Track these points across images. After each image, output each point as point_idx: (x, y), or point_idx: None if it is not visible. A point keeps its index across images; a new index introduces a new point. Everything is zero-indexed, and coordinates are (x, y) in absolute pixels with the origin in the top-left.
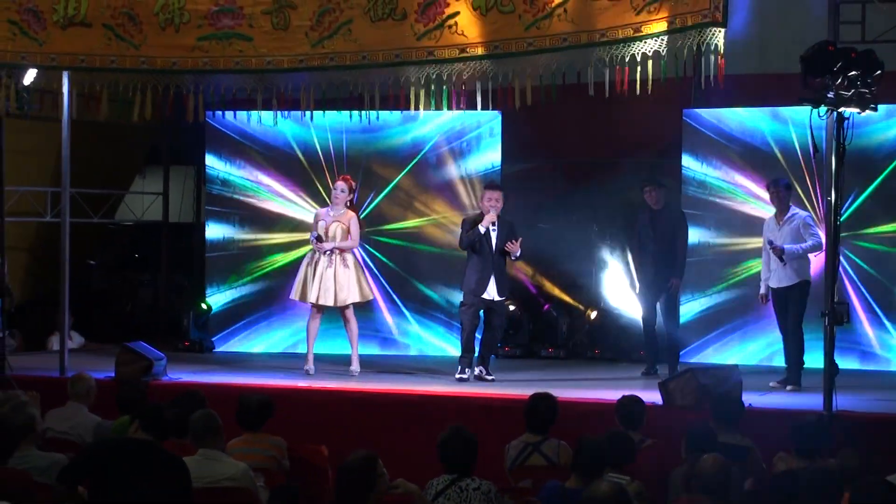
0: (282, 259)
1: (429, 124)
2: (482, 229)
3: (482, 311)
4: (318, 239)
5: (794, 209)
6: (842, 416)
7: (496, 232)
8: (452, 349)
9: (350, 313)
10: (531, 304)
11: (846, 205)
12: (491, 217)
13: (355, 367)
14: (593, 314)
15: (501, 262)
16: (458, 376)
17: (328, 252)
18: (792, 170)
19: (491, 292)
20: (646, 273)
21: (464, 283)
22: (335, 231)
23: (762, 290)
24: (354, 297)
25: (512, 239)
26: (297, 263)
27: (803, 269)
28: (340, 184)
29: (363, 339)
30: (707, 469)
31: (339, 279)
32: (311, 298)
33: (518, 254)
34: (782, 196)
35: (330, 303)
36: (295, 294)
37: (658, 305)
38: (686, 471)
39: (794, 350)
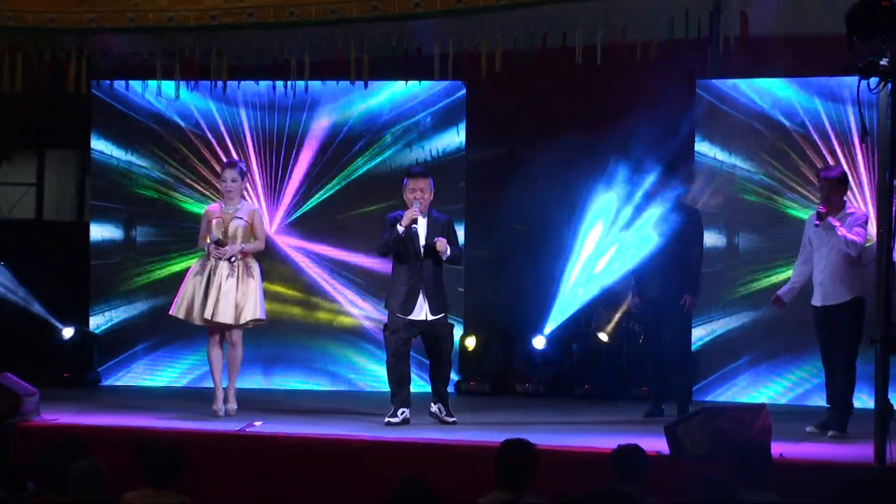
0: (184, 271)
1: (375, 99)
2: (401, 229)
3: (416, 336)
4: (218, 244)
5: (852, 207)
6: None
7: (425, 232)
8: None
9: (239, 337)
10: (501, 326)
11: None
12: (414, 212)
13: (233, 403)
14: (582, 339)
15: (435, 270)
16: (387, 420)
17: (231, 259)
18: (833, 157)
19: (422, 311)
20: (649, 288)
21: (387, 302)
22: (235, 230)
23: (781, 291)
24: (256, 314)
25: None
26: None
27: (857, 282)
28: (230, 172)
29: (289, 368)
30: None
31: (242, 291)
32: (207, 315)
33: (447, 254)
34: (832, 188)
35: (229, 320)
36: (178, 310)
37: (664, 329)
38: None
39: (840, 387)
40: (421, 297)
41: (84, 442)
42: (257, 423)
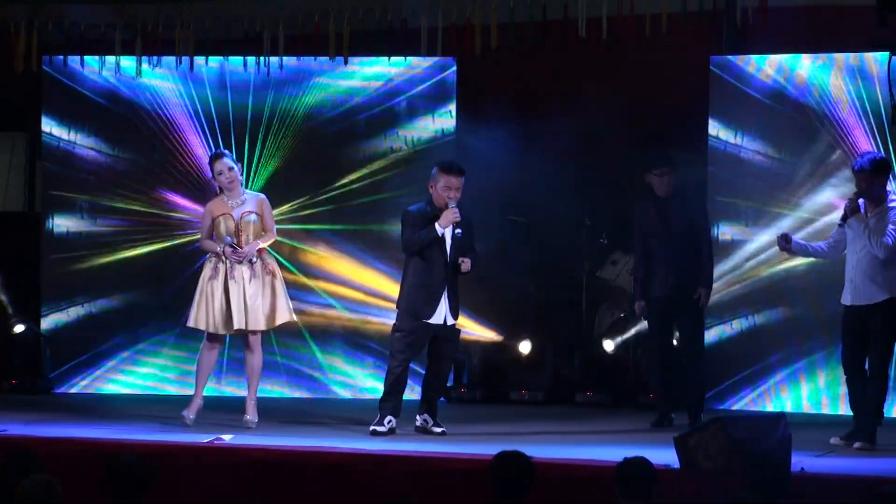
0: (149, 264)
1: (356, 77)
2: (440, 230)
3: (427, 342)
4: (234, 245)
5: (895, 199)
6: None
7: (451, 231)
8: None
9: (258, 342)
10: (497, 328)
11: None
12: (453, 214)
13: (252, 415)
14: (584, 342)
15: (455, 273)
16: (373, 428)
17: (251, 260)
18: (857, 142)
19: (441, 315)
20: (657, 284)
21: (402, 300)
22: (248, 226)
23: (794, 237)
24: (285, 316)
25: (469, 241)
26: (169, 270)
27: (892, 281)
28: (219, 164)
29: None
30: None
31: (268, 293)
32: (239, 324)
33: (468, 272)
34: (867, 179)
35: (262, 326)
36: (197, 320)
37: (675, 328)
38: None
39: (871, 394)
40: (444, 299)
41: (37, 455)
42: (226, 437)
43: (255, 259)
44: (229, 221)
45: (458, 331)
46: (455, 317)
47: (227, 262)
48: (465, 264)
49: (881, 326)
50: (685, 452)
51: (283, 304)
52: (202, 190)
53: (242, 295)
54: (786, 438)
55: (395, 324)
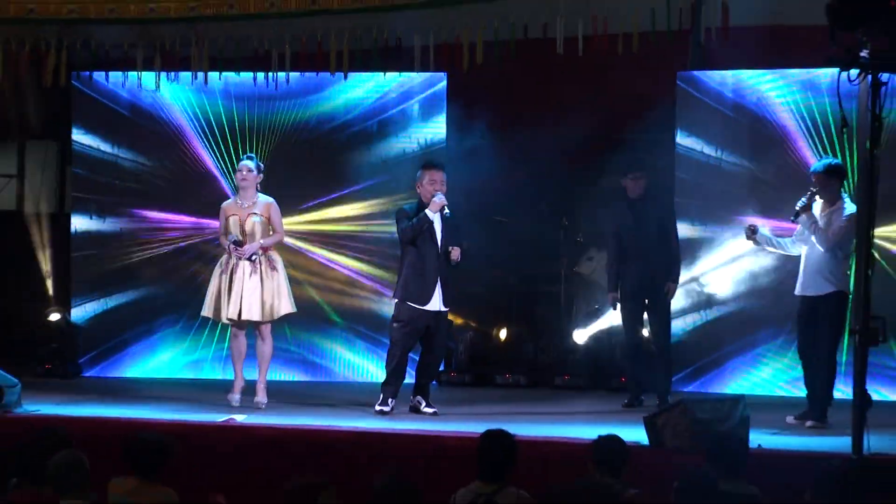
0: (169, 260)
1: (356, 90)
2: (431, 214)
3: (425, 329)
4: (237, 244)
5: (847, 200)
6: (875, 460)
7: (440, 225)
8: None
9: (268, 330)
10: (484, 318)
11: None
12: (441, 202)
13: (262, 397)
14: (563, 330)
15: (446, 262)
16: (379, 408)
17: (251, 258)
18: (814, 148)
19: (436, 302)
20: (629, 278)
21: (399, 291)
22: (253, 226)
23: (761, 229)
24: (287, 308)
25: (455, 239)
26: (186, 264)
27: (840, 276)
28: (247, 163)
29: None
30: None
31: (268, 286)
32: (232, 314)
33: (458, 260)
34: (821, 181)
35: (256, 317)
36: (207, 310)
37: (646, 318)
38: None
39: (821, 378)
40: (438, 287)
41: (66, 433)
42: (239, 418)
43: (256, 256)
44: (236, 220)
45: (450, 319)
46: (448, 304)
47: (233, 257)
48: (455, 252)
49: (829, 316)
50: (654, 431)
51: (285, 297)
52: (213, 193)
53: (241, 288)
54: (745, 418)
55: (393, 314)
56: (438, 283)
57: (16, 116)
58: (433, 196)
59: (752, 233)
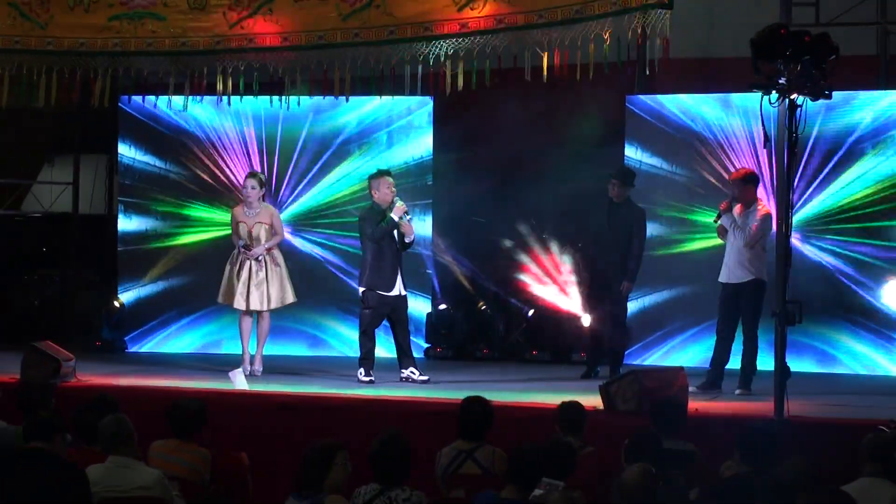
0: (198, 254)
1: (356, 111)
2: (396, 217)
3: (388, 312)
4: (246, 247)
5: (761, 203)
6: (793, 421)
7: (408, 221)
8: (384, 351)
9: (268, 312)
10: (465, 303)
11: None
12: (404, 206)
13: (258, 366)
14: (531, 313)
15: (400, 254)
16: (365, 379)
17: (258, 258)
18: (741, 161)
19: (398, 287)
20: (596, 262)
21: (366, 281)
22: (258, 232)
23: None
24: (290, 298)
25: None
26: (214, 257)
27: (757, 266)
28: (250, 181)
29: (287, 338)
30: (630, 480)
31: (274, 281)
32: (241, 305)
33: (412, 238)
34: (738, 186)
35: (265, 307)
36: (222, 297)
37: (604, 307)
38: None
39: (746, 352)
40: (399, 275)
41: (114, 400)
42: (258, 374)
43: (261, 256)
44: (244, 227)
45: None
46: (405, 288)
47: (243, 255)
48: (409, 227)
49: (749, 300)
50: (607, 398)
51: (288, 289)
52: (232, 198)
53: (247, 282)
54: (684, 387)
55: (362, 302)
56: (399, 271)
57: (72, 134)
58: (394, 200)
59: (723, 211)
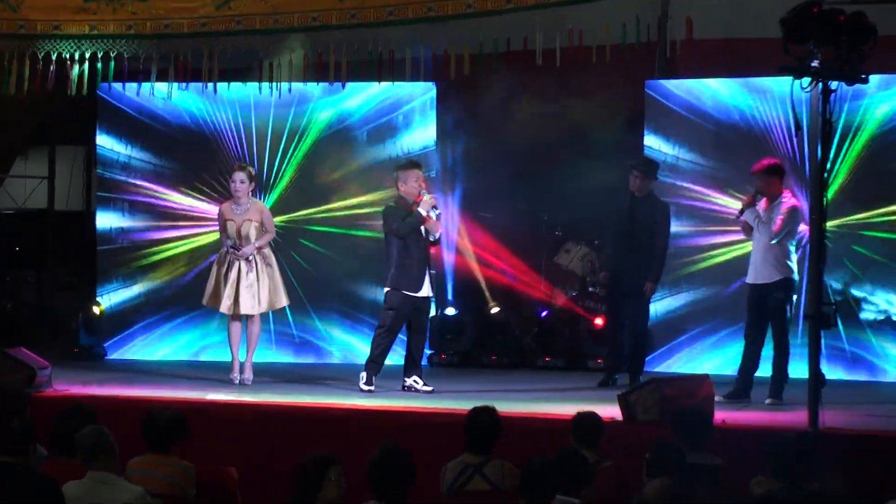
0: (184, 253)
1: (353, 98)
2: (424, 212)
3: (410, 313)
4: (235, 247)
5: (787, 196)
6: (828, 434)
7: (437, 216)
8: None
9: (257, 317)
10: (472, 305)
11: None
12: (433, 200)
13: (248, 374)
14: (544, 315)
15: (429, 253)
16: (366, 388)
17: (248, 258)
18: (770, 150)
19: (426, 288)
20: (616, 264)
21: (393, 281)
22: (248, 230)
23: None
24: (283, 301)
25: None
26: (201, 257)
27: (785, 263)
28: (239, 174)
29: (277, 344)
30: (651, 496)
31: (265, 283)
32: (227, 309)
33: (439, 234)
34: (762, 179)
35: (251, 311)
36: (207, 299)
37: (629, 304)
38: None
39: (777, 360)
40: (427, 275)
41: (92, 410)
42: (248, 383)
43: (251, 257)
44: (232, 225)
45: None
46: (432, 289)
47: (231, 256)
48: (436, 224)
49: (777, 301)
50: (627, 407)
51: (282, 292)
52: (222, 193)
53: (236, 284)
54: (709, 396)
55: (386, 302)
56: (427, 271)
57: (47, 124)
58: (422, 194)
59: (746, 206)
